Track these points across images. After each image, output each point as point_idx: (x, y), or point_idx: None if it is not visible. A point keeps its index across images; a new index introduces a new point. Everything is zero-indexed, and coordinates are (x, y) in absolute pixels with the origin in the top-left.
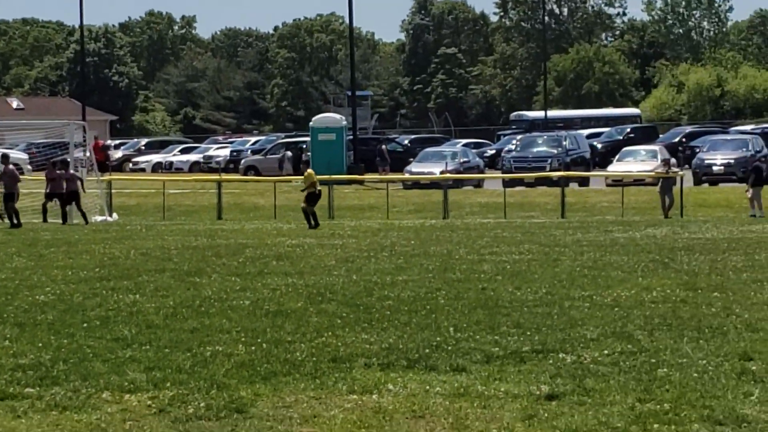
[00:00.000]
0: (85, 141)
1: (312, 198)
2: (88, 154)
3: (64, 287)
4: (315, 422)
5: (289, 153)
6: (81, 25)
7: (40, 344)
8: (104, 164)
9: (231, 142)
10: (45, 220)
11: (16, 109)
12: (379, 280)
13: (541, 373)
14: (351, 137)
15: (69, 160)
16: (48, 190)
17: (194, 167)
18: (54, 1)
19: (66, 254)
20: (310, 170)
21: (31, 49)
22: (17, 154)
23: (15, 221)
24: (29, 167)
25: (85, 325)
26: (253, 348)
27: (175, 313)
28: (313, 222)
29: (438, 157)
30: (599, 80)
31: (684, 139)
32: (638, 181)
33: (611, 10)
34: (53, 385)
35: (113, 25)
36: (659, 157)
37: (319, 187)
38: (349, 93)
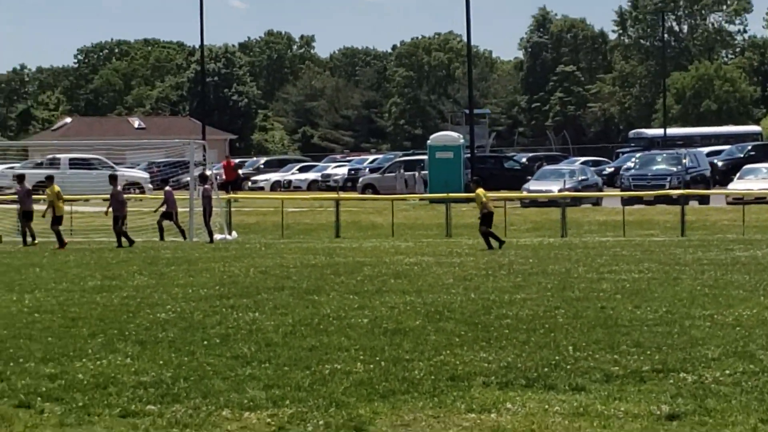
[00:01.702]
0: (204, 160)
1: (487, 218)
2: (209, 172)
3: (185, 305)
4: None
5: (403, 171)
6: (201, 46)
7: (161, 362)
8: (235, 183)
9: (349, 161)
10: (162, 238)
11: (137, 128)
12: (497, 299)
13: (661, 392)
14: (468, 155)
15: (208, 174)
16: (164, 209)
17: (312, 186)
18: (175, 22)
19: (186, 272)
20: (479, 189)
21: (152, 70)
22: (138, 173)
23: (128, 241)
24: (150, 186)
25: (205, 342)
26: (371, 366)
27: (294, 331)
28: (497, 242)
29: (556, 175)
30: (719, 98)
31: None
32: (760, 199)
33: (732, 27)
34: (174, 402)
35: (233, 45)
36: None
37: (492, 208)
38: (467, 111)
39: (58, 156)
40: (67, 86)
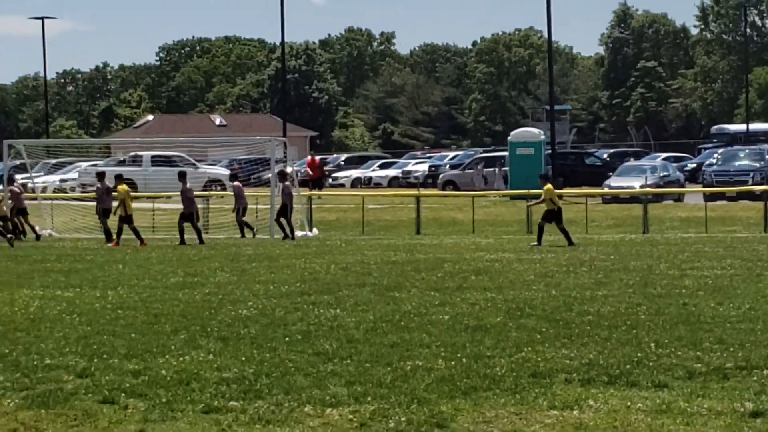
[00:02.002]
0: (285, 157)
1: (550, 215)
2: (291, 169)
3: (266, 302)
4: None
5: (481, 168)
6: (282, 43)
7: (243, 358)
8: (320, 180)
9: (429, 157)
10: (243, 235)
11: (218, 125)
12: (578, 295)
13: (745, 389)
14: (549, 152)
15: (288, 171)
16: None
17: (393, 182)
18: (256, 20)
19: (268, 269)
20: (548, 185)
21: (233, 67)
22: (220, 170)
23: (198, 239)
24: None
25: (287, 339)
26: (452, 363)
27: (375, 327)
28: (569, 240)
29: (637, 171)
30: None
31: None
32: None
33: None
34: (256, 398)
35: (313, 42)
36: None
37: (559, 204)
38: (548, 107)
39: (140, 153)
40: (149, 84)
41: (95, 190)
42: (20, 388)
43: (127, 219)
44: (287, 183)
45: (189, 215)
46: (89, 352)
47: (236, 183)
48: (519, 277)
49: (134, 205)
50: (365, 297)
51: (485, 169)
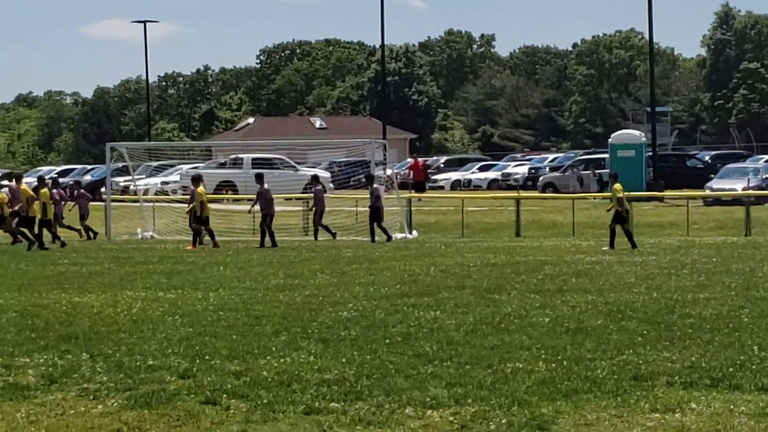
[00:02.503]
0: (385, 159)
1: (618, 216)
2: (390, 172)
3: (366, 303)
4: None
5: (578, 170)
6: (382, 45)
7: (344, 360)
8: (422, 183)
9: (529, 160)
10: (316, 238)
11: (318, 128)
12: (680, 298)
13: None
14: (650, 154)
15: (377, 174)
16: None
17: (492, 184)
18: (356, 22)
19: (367, 271)
20: (616, 185)
21: (333, 70)
22: (320, 173)
23: (271, 242)
24: (331, 185)
25: (387, 341)
26: (553, 365)
27: (475, 329)
28: (629, 243)
29: (740, 173)
30: None
31: None
32: None
33: None
34: (357, 400)
35: (413, 45)
36: None
37: (625, 206)
38: (648, 109)
39: (241, 156)
40: (249, 87)
41: (188, 193)
42: (123, 388)
43: (203, 221)
44: (376, 186)
45: (270, 216)
46: (191, 353)
47: (318, 186)
48: (620, 279)
49: (235, 207)
50: (465, 299)
51: (582, 172)
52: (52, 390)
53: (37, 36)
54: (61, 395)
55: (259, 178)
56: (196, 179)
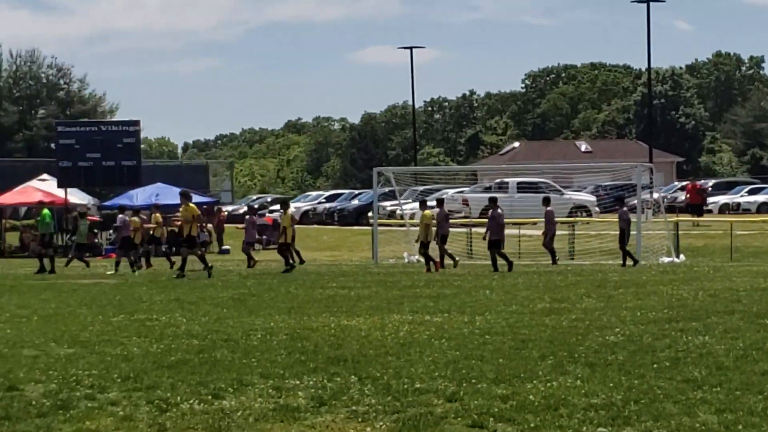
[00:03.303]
0: (651, 183)
1: None
2: (657, 195)
3: (634, 328)
4: None
5: None
6: (648, 69)
7: (611, 384)
8: (699, 206)
9: None
10: (554, 261)
11: (584, 152)
12: None
13: None
14: None
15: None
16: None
17: (762, 208)
18: (622, 45)
19: (634, 295)
20: None
21: (599, 93)
22: (585, 197)
23: (507, 264)
24: (597, 209)
25: (655, 365)
26: None
27: (746, 355)
28: None
29: None
30: None
31: None
32: None
33: None
34: (625, 425)
35: (680, 67)
36: None
37: None
38: None
39: (506, 180)
40: (514, 111)
41: (433, 216)
42: (391, 411)
43: (426, 244)
44: (624, 209)
45: (495, 242)
46: (458, 376)
47: (549, 208)
48: None
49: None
50: (734, 324)
51: None
52: (322, 412)
53: (306, 63)
54: (331, 417)
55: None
56: (423, 203)
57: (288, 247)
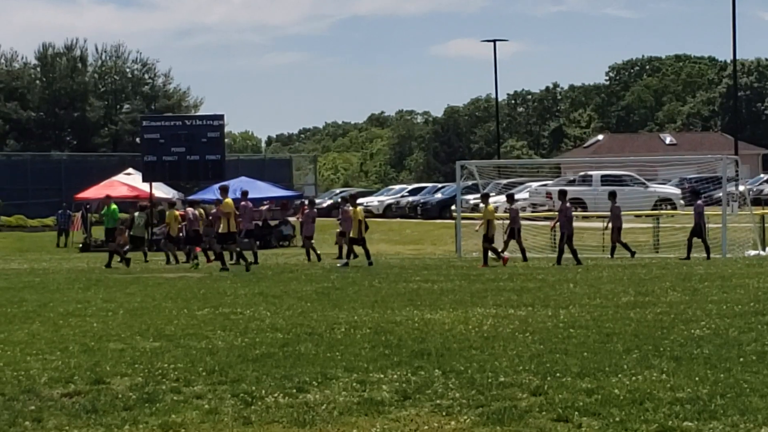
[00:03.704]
0: (737, 175)
1: None
2: (742, 188)
3: (719, 321)
4: None
5: None
6: (734, 60)
7: (697, 378)
8: None
9: None
10: (632, 254)
11: (668, 144)
12: None
13: None
14: None
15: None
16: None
17: None
18: (707, 37)
19: (720, 288)
20: None
21: (683, 85)
22: (670, 189)
23: (575, 259)
24: (681, 202)
25: (741, 359)
26: None
27: None
28: None
29: None
30: None
31: None
32: None
33: None
34: (711, 419)
35: (766, 59)
36: None
37: None
38: None
39: (590, 173)
40: (598, 103)
41: (507, 210)
42: (476, 405)
43: (358, 240)
44: (700, 202)
45: (569, 236)
46: (542, 370)
47: (616, 204)
48: None
49: (583, 224)
50: None
51: None
52: (406, 406)
53: (389, 57)
54: (415, 411)
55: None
56: (485, 197)
57: (360, 242)
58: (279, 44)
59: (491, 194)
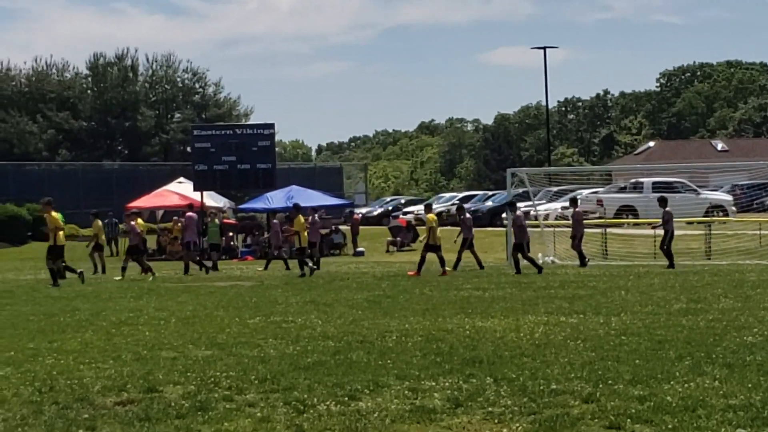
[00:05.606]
0: None
1: None
2: None
3: None
4: None
5: None
6: None
7: (750, 385)
8: None
9: None
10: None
11: (720, 151)
12: None
13: None
14: None
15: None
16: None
17: None
18: (758, 43)
19: None
20: None
21: (735, 91)
22: (722, 196)
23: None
24: (733, 209)
25: None
26: None
27: None
28: None
29: None
30: None
31: None
32: None
33: None
34: (764, 426)
35: None
36: None
37: None
38: None
39: (641, 180)
40: (649, 110)
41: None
42: (528, 412)
43: (434, 248)
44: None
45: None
46: (594, 377)
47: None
48: None
49: (635, 231)
50: None
51: None
52: (458, 413)
53: (438, 65)
54: (467, 418)
55: (574, 202)
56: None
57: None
58: (325, 53)
59: (542, 201)
